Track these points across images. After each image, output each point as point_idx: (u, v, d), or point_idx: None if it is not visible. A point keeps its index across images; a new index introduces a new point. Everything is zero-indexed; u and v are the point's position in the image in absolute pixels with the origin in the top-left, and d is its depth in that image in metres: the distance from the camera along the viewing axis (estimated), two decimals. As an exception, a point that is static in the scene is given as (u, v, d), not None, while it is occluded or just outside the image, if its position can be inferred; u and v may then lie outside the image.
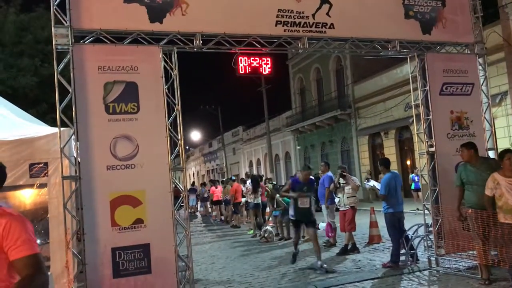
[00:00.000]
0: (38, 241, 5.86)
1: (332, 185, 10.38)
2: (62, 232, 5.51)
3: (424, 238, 8.08)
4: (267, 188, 15.30)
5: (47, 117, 13.62)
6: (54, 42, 5.69)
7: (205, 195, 24.68)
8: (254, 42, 6.80)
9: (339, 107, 27.11)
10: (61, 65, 5.75)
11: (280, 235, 12.95)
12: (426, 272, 7.49)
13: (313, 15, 7.01)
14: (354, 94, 26.56)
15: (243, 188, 15.74)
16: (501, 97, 15.33)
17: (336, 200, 10.45)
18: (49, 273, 4.25)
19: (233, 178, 19.92)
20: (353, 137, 26.79)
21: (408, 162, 22.54)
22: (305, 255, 10.09)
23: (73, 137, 5.73)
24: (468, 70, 8.03)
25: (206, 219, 22.80)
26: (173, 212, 6.03)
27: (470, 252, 6.93)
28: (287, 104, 35.64)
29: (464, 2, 8.12)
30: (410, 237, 8.21)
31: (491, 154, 8.00)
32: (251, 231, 14.41)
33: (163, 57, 6.20)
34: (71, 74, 5.71)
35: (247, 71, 7.20)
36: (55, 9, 5.73)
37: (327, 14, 7.09)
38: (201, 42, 6.42)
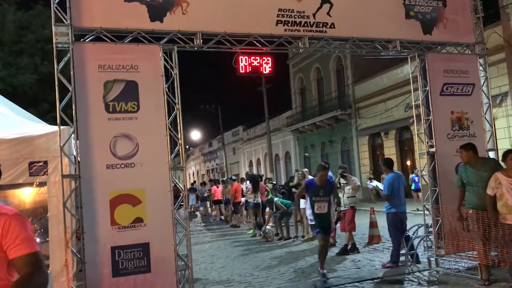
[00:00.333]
0: (38, 240, 5.87)
1: None
2: (62, 231, 5.50)
3: (424, 239, 8.07)
4: (267, 188, 15.30)
5: (47, 116, 13.62)
6: (54, 41, 5.68)
7: (205, 195, 24.68)
8: (254, 42, 6.79)
9: (339, 107, 27.09)
10: (61, 64, 5.74)
11: (280, 234, 12.95)
12: (426, 273, 7.48)
13: (314, 15, 7.00)
14: (354, 94, 26.54)
15: (243, 188, 15.73)
16: (502, 98, 15.32)
17: None
18: (48, 271, 4.25)
19: (233, 177, 19.90)
20: (353, 137, 26.77)
21: (408, 163, 22.53)
22: (305, 255, 10.09)
23: (73, 135, 5.72)
24: (469, 70, 8.02)
25: (205, 218, 22.80)
26: (172, 212, 6.02)
27: (470, 252, 6.92)
28: (287, 104, 35.68)
29: (465, 2, 8.11)
30: (410, 237, 8.20)
31: (492, 154, 7.99)
32: (251, 231, 14.41)
33: (163, 56, 6.19)
34: (71, 73, 5.70)
35: (248, 71, 7.19)
36: (56, 7, 5.72)
37: (328, 13, 7.08)
38: (201, 41, 6.41)
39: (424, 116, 7.87)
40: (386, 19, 7.52)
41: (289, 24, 6.87)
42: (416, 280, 7.16)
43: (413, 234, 8.31)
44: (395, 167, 9.42)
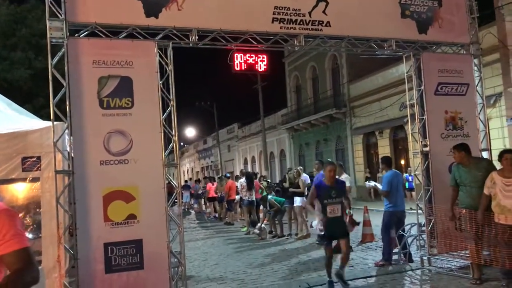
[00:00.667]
0: (30, 236, 5.84)
1: None
2: (54, 227, 5.48)
3: (417, 238, 8.11)
4: (261, 185, 15.30)
5: (42, 112, 13.54)
6: (48, 35, 5.64)
7: (199, 192, 24.65)
8: (250, 39, 6.78)
9: (334, 105, 27.12)
10: (56, 59, 5.70)
11: (274, 232, 12.97)
12: (418, 272, 7.51)
13: (310, 13, 7.00)
14: (349, 93, 26.59)
15: (238, 185, 15.73)
16: (496, 98, 15.39)
17: None
18: (40, 267, 4.22)
19: (228, 175, 19.88)
20: (347, 136, 26.82)
21: (402, 162, 22.60)
22: (299, 253, 10.11)
23: (66, 131, 5.69)
24: (464, 70, 8.05)
25: (200, 216, 22.78)
26: (166, 208, 6.01)
27: (462, 252, 6.96)
28: (282, 102, 35.69)
29: (460, 2, 8.13)
30: (403, 236, 8.23)
31: (485, 154, 8.03)
32: (245, 229, 14.42)
33: (158, 52, 6.17)
34: (66, 68, 5.67)
35: (243, 68, 7.17)
36: (50, 2, 5.68)
37: (324, 12, 7.07)
38: (197, 37, 6.39)
39: (418, 115, 7.90)
40: (382, 18, 7.53)
41: (285, 22, 6.86)
42: (408, 278, 7.19)
43: (406, 233, 8.34)
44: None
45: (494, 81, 15.08)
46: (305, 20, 6.98)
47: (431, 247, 7.62)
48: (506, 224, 5.93)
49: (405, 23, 7.67)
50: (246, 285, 7.44)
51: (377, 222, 9.02)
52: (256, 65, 7.26)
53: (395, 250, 8.22)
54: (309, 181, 12.15)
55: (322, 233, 6.81)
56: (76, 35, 5.95)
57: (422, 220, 7.87)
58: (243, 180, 14.88)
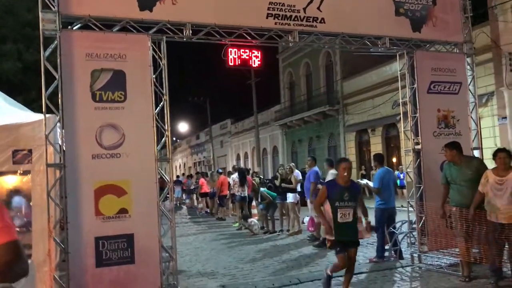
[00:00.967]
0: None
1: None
2: (45, 220, 5.45)
3: (408, 235, 8.16)
4: (253, 181, 15.32)
5: (34, 105, 13.39)
6: (41, 27, 5.59)
7: (191, 187, 24.62)
8: (244, 34, 6.76)
9: (327, 102, 27.18)
10: (48, 51, 5.66)
11: (265, 228, 12.99)
12: (408, 269, 7.56)
13: (304, 9, 6.99)
14: (342, 90, 26.65)
15: (230, 181, 15.74)
16: (488, 98, 15.50)
17: None
18: (30, 260, 4.20)
19: (220, 170, 19.87)
20: (340, 133, 26.90)
21: (394, 160, 22.71)
22: (290, 248, 10.14)
23: (58, 124, 5.65)
24: (456, 69, 8.09)
25: (191, 211, 22.77)
26: (158, 203, 6.00)
27: (452, 249, 7.02)
28: (276, 98, 35.68)
29: (454, 1, 8.16)
30: (394, 233, 8.28)
31: (476, 153, 8.08)
32: (237, 224, 14.43)
33: (152, 46, 6.14)
34: (58, 61, 5.62)
35: (237, 63, 7.17)
36: (43, -7, 5.63)
37: (318, 8, 7.07)
38: (190, 32, 6.37)
39: (411, 113, 7.93)
40: (376, 16, 7.54)
41: (280, 18, 6.85)
42: (399, 275, 7.24)
43: (397, 230, 8.39)
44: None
45: (486, 81, 15.18)
46: (300, 16, 6.97)
47: (422, 244, 7.67)
48: (496, 222, 5.98)
49: (399, 21, 7.69)
50: (237, 280, 7.45)
51: (369, 219, 9.03)
52: (250, 61, 7.26)
53: (386, 247, 8.26)
54: (300, 177, 12.18)
55: (332, 237, 5.87)
56: (69, 27, 5.91)
57: (413, 217, 7.92)
58: (235, 175, 14.88)
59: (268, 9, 6.78)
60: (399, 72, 8.40)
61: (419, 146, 7.78)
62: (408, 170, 8.30)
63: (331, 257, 8.82)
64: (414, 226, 7.88)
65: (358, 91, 24.85)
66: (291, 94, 33.90)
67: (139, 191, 5.90)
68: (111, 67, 5.88)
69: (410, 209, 8.04)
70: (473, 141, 8.15)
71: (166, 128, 6.21)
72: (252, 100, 30.48)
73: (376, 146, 23.55)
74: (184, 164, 61.66)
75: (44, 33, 5.63)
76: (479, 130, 8.29)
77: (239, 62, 7.18)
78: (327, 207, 5.85)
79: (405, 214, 8.45)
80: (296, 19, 6.95)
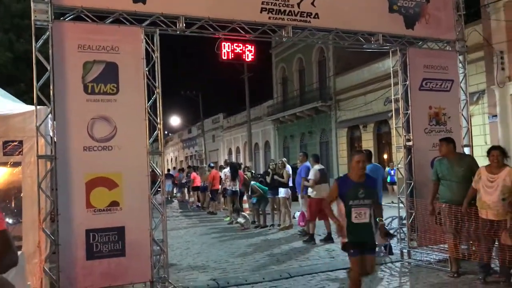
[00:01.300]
0: (11, 221, 5.78)
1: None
2: (36, 212, 5.42)
3: (398, 231, 8.22)
4: (245, 176, 15.33)
5: (25, 97, 13.26)
6: (33, 18, 5.53)
7: (183, 181, 24.59)
8: (238, 28, 6.75)
9: (320, 98, 27.22)
10: (40, 42, 5.61)
11: (257, 222, 13.03)
12: (398, 264, 7.63)
13: (298, 4, 6.98)
14: (335, 86, 26.70)
15: (222, 175, 15.74)
16: (479, 96, 15.59)
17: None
18: (20, 252, 4.17)
19: (212, 165, 19.86)
20: (332, 129, 26.97)
21: (385, 156, 22.83)
22: (281, 243, 10.17)
23: (49, 116, 5.61)
24: (449, 66, 8.13)
25: (183, 205, 22.76)
26: (149, 196, 5.99)
27: (441, 245, 7.09)
28: (268, 93, 35.67)
29: (447, -1, 8.19)
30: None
31: (467, 150, 8.15)
32: (228, 218, 14.45)
33: (145, 38, 6.11)
34: (50, 52, 5.57)
35: (230, 57, 7.15)
36: (35, -17, 5.57)
37: (312, 4, 7.06)
38: (184, 25, 6.34)
39: (402, 110, 7.97)
40: (369, 12, 7.55)
41: (274, 12, 6.84)
42: (388, 270, 7.30)
43: (387, 226, 8.44)
44: (373, 160, 9.50)
45: (478, 79, 15.26)
46: (294, 11, 6.96)
47: (411, 240, 7.74)
48: (486, 219, 6.05)
49: (392, 17, 7.71)
50: (228, 274, 7.47)
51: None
52: (244, 55, 7.25)
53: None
54: (290, 173, 12.22)
55: (346, 239, 5.14)
56: (61, 18, 5.85)
57: (403, 213, 7.99)
58: (227, 170, 14.89)
59: (262, 3, 6.76)
60: (391, 69, 8.43)
61: (410, 143, 7.83)
62: (399, 166, 8.34)
63: (322, 253, 8.89)
64: (404, 222, 7.94)
65: (350, 87, 24.91)
66: (284, 89, 33.90)
67: (131, 184, 5.88)
68: (104, 59, 5.84)
69: (400, 205, 8.10)
70: (463, 138, 8.22)
71: (159, 121, 6.20)
72: (245, 95, 30.45)
73: (368, 142, 23.65)
74: (176, 158, 61.52)
75: (36, 24, 5.58)
76: (470, 127, 8.36)
77: (233, 56, 7.16)
78: (342, 207, 5.18)
79: (395, 210, 8.51)
80: (290, 14, 6.94)
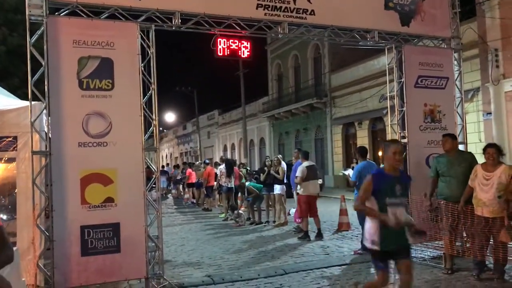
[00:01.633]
0: (5, 217, 5.76)
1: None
2: (30, 208, 5.40)
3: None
4: (241, 172, 15.34)
5: (18, 92, 13.19)
6: (27, 13, 5.50)
7: (178, 177, 24.55)
8: (234, 24, 6.73)
9: (315, 95, 27.23)
10: (34, 37, 5.57)
11: (251, 219, 13.03)
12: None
13: (294, 1, 6.97)
14: (330, 83, 26.71)
15: (217, 172, 15.74)
16: (473, 93, 15.65)
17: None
18: (15, 248, 4.16)
19: (207, 161, 19.85)
20: (327, 126, 26.99)
21: (380, 153, 22.88)
22: (275, 239, 10.19)
23: (44, 111, 5.59)
24: (444, 64, 8.16)
25: (177, 201, 22.73)
26: (144, 193, 5.98)
27: (435, 242, 7.11)
28: (264, 89, 35.65)
29: (443, -4, 8.21)
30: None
31: (461, 148, 8.16)
32: (223, 215, 14.45)
33: (140, 34, 6.08)
34: (45, 47, 5.54)
35: (226, 54, 7.13)
36: (30, -22, 5.53)
37: (308, 0, 7.06)
38: (180, 21, 6.32)
39: (398, 107, 7.99)
40: (365, 9, 7.56)
41: (269, 9, 6.83)
42: (382, 267, 7.31)
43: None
44: (367, 157, 9.50)
45: (472, 76, 15.32)
46: (290, 8, 6.96)
47: (406, 237, 7.76)
48: (482, 216, 6.08)
49: (388, 15, 7.72)
50: (223, 270, 7.48)
51: (353, 211, 9.11)
52: (239, 51, 7.23)
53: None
54: (285, 169, 12.24)
55: (375, 247, 4.43)
56: (56, 13, 5.82)
57: (398, 210, 8.00)
58: (222, 166, 14.89)
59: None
60: (387, 66, 8.44)
61: (405, 140, 7.85)
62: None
63: (317, 249, 8.91)
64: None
65: (346, 84, 24.93)
66: (279, 86, 33.88)
67: (126, 180, 5.87)
68: (99, 54, 5.82)
69: (395, 202, 8.11)
70: (458, 136, 8.23)
71: (154, 117, 6.18)
72: (240, 91, 30.42)
73: (363, 139, 23.69)
74: (171, 154, 61.44)
75: (30, 19, 5.54)
76: (464, 125, 8.39)
77: (228, 53, 7.15)
78: (373, 203, 4.46)
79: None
80: (286, 10, 6.93)
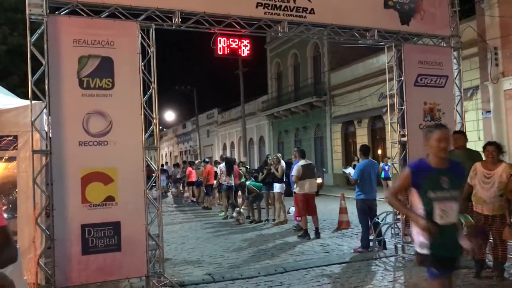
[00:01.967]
0: (6, 216, 5.76)
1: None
2: (31, 207, 5.41)
3: (392, 226, 8.27)
4: (240, 171, 15.35)
5: (17, 91, 13.19)
6: (27, 12, 5.49)
7: (177, 176, 24.57)
8: (233, 23, 6.73)
9: (314, 94, 27.26)
10: (35, 36, 5.58)
11: (251, 217, 13.05)
12: (392, 259, 7.68)
13: (294, -1, 6.98)
14: (330, 81, 26.73)
15: (217, 170, 15.76)
16: (473, 92, 15.68)
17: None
18: (17, 246, 4.17)
19: (207, 160, 19.87)
20: (327, 125, 27.02)
21: (379, 152, 22.91)
22: (275, 238, 10.20)
23: (44, 110, 5.59)
24: (443, 62, 8.17)
25: (177, 199, 22.75)
26: (145, 191, 5.99)
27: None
28: (263, 88, 35.66)
29: (442, -5, 8.21)
30: (378, 224, 8.39)
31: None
32: (223, 213, 14.47)
33: (140, 33, 6.08)
34: (45, 46, 5.54)
35: (226, 52, 7.13)
36: (30, -23, 5.53)
37: (308, -2, 7.06)
38: (180, 19, 6.32)
39: (397, 105, 8.00)
40: (365, 8, 7.56)
41: (269, 7, 6.83)
42: (382, 265, 7.34)
43: (381, 221, 8.50)
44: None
45: (472, 75, 15.34)
46: (289, 7, 6.96)
47: (405, 235, 7.78)
48: (481, 214, 6.09)
49: (388, 13, 7.72)
50: (223, 268, 7.49)
51: (353, 209, 9.14)
52: (239, 50, 7.23)
53: (371, 237, 8.37)
54: (284, 168, 12.26)
55: (425, 251, 3.68)
56: (56, 12, 5.82)
57: (398, 208, 8.02)
58: (222, 165, 14.90)
59: (258, -2, 6.75)
60: (386, 65, 8.45)
61: (405, 138, 7.87)
62: (394, 161, 8.38)
63: (317, 248, 8.93)
64: (399, 217, 7.99)
65: (345, 82, 24.95)
66: (279, 84, 33.89)
67: (126, 179, 5.88)
68: (99, 53, 5.82)
69: (395, 200, 8.12)
70: (453, 134, 8.26)
71: (154, 116, 6.19)
72: (240, 90, 30.42)
73: (362, 137, 23.72)
74: (170, 153, 61.44)
75: (30, 18, 5.54)
76: (463, 123, 8.40)
77: (228, 51, 7.15)
78: (414, 197, 3.81)
79: (390, 206, 8.54)
80: (285, 9, 6.94)
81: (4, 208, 5.74)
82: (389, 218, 8.55)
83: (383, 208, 8.73)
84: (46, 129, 5.71)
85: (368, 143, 22.95)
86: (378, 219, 8.43)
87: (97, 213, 5.71)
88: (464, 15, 13.78)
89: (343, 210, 11.21)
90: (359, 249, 8.21)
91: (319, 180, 18.27)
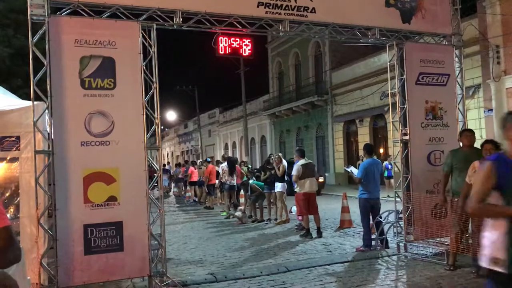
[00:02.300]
0: (8, 216, 5.76)
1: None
2: (33, 207, 5.42)
3: (394, 225, 8.27)
4: (242, 171, 15.36)
5: (20, 92, 13.21)
6: (29, 13, 5.50)
7: (179, 176, 24.57)
8: (235, 23, 6.73)
9: (316, 93, 27.24)
10: (36, 37, 5.58)
11: (253, 217, 13.06)
12: (394, 257, 7.67)
13: (295, -1, 6.98)
14: (331, 80, 26.71)
15: (219, 170, 15.78)
16: (474, 90, 15.66)
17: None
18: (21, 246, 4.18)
19: (208, 159, 19.88)
20: (328, 124, 27.00)
21: (381, 150, 22.89)
22: (277, 237, 10.21)
23: (46, 111, 5.60)
24: (445, 61, 8.15)
25: (179, 199, 22.77)
26: (147, 191, 5.99)
27: (437, 239, 7.12)
28: (264, 87, 35.66)
29: (444, -7, 8.20)
30: (381, 223, 8.38)
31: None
32: (225, 213, 14.47)
33: (141, 33, 6.09)
34: (47, 47, 5.55)
35: (227, 52, 7.14)
36: (31, -22, 5.54)
37: (309, -2, 7.06)
38: (181, 19, 6.32)
39: (399, 104, 7.99)
40: (366, 6, 7.55)
41: (270, 7, 6.82)
42: (385, 264, 7.34)
43: (384, 220, 8.50)
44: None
45: (473, 73, 15.33)
46: (291, 6, 6.95)
47: (408, 234, 7.78)
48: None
49: (389, 12, 7.71)
50: (225, 268, 7.50)
51: (355, 208, 9.13)
52: (241, 50, 7.24)
53: (373, 236, 8.37)
54: (286, 167, 12.25)
55: (497, 267, 2.84)
56: (58, 13, 5.83)
57: (400, 207, 8.03)
58: (224, 164, 14.91)
59: (259, -3, 6.75)
60: (388, 63, 8.44)
61: (407, 137, 7.86)
62: (396, 160, 8.38)
63: (319, 247, 8.93)
64: (401, 216, 7.99)
65: (346, 81, 24.93)
66: (280, 84, 33.88)
67: (128, 179, 5.88)
68: (101, 54, 5.82)
69: (397, 199, 8.14)
70: (459, 132, 8.24)
71: (156, 116, 6.19)
72: (241, 90, 30.43)
73: (364, 136, 23.70)
74: (172, 153, 61.48)
75: (32, 19, 5.55)
76: (465, 122, 8.39)
77: (230, 51, 7.15)
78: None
79: (392, 204, 8.55)
80: (287, 8, 6.93)
81: (7, 208, 5.74)
82: (392, 217, 8.54)
83: (385, 207, 8.72)
84: (48, 129, 5.72)
85: (370, 142, 22.93)
86: (380, 218, 8.42)
87: (99, 213, 5.72)
88: (466, 13, 13.77)
89: (345, 209, 11.20)
90: (361, 248, 8.21)
91: (321, 179, 18.28)
